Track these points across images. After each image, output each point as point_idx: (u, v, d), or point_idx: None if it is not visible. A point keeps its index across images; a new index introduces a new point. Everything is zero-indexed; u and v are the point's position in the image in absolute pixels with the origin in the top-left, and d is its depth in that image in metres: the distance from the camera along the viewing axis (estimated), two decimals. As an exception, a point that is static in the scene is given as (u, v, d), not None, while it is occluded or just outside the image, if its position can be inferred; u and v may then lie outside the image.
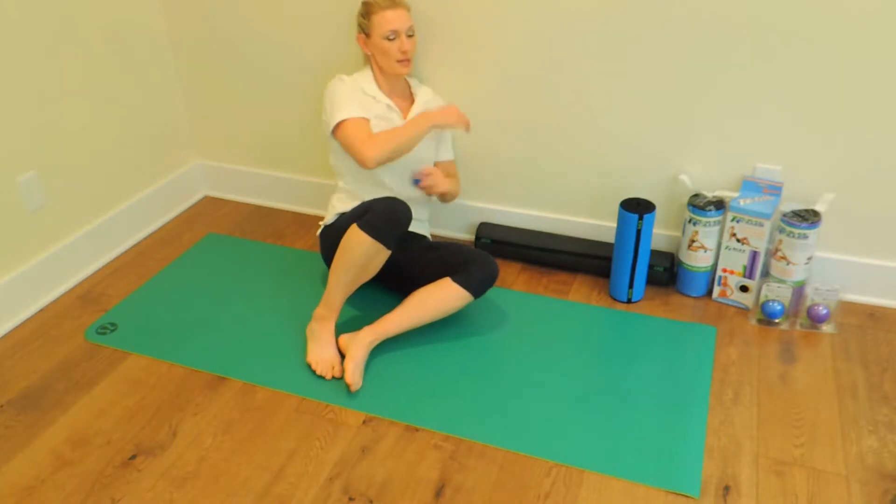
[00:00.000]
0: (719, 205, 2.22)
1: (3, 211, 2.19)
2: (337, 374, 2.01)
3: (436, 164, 2.37)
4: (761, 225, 2.16)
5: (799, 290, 2.23)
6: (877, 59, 1.99)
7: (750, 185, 2.22)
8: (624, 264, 2.26)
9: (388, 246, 2.00)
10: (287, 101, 2.67)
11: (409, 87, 2.32)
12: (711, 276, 2.33)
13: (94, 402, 1.96)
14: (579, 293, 2.38)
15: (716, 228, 2.24)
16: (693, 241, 2.26)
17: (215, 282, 2.44)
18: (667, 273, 2.35)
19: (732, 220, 2.19)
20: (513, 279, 2.45)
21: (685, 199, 2.34)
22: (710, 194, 2.24)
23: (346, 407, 1.93)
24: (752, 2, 2.02)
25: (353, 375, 1.94)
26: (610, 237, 2.48)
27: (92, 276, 2.50)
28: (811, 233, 2.12)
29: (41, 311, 2.33)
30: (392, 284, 2.31)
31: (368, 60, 2.26)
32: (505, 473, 1.74)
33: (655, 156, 2.32)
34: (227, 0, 2.55)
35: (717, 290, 2.31)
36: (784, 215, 2.16)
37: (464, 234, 2.68)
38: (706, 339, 2.15)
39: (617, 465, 1.74)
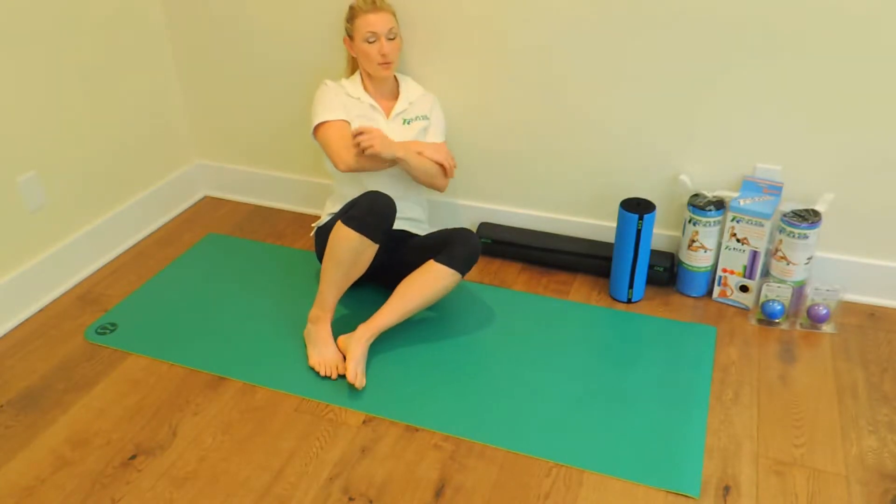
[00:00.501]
0: (719, 205, 2.22)
1: (3, 211, 2.19)
2: (341, 373, 2.01)
3: None
4: (761, 225, 2.16)
5: (799, 290, 2.23)
6: (877, 59, 1.99)
7: (750, 185, 2.22)
8: (624, 264, 2.26)
9: (374, 239, 2.00)
10: (287, 101, 2.67)
11: (398, 85, 2.32)
12: (711, 276, 2.33)
13: (93, 402, 1.96)
14: (579, 293, 2.38)
15: (716, 228, 2.24)
16: (693, 241, 2.26)
17: (215, 282, 2.44)
18: (667, 273, 2.34)
19: (732, 220, 2.19)
20: (513, 279, 2.45)
21: (685, 199, 2.34)
22: (710, 194, 2.24)
23: (346, 407, 1.93)
24: (752, 2, 2.02)
25: (356, 374, 1.94)
26: (610, 237, 2.48)
27: (92, 276, 2.50)
28: (811, 233, 2.12)
29: (41, 311, 2.33)
30: (384, 283, 2.31)
31: (356, 63, 2.29)
32: (505, 473, 1.73)
33: (655, 156, 2.32)
34: (228, 0, 2.56)
35: (717, 290, 2.31)
36: (784, 215, 2.16)
37: (464, 234, 2.68)
38: (706, 339, 2.15)
39: (617, 465, 1.74)
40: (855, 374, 2.02)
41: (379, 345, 2.11)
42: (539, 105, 2.36)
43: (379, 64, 2.18)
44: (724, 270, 2.27)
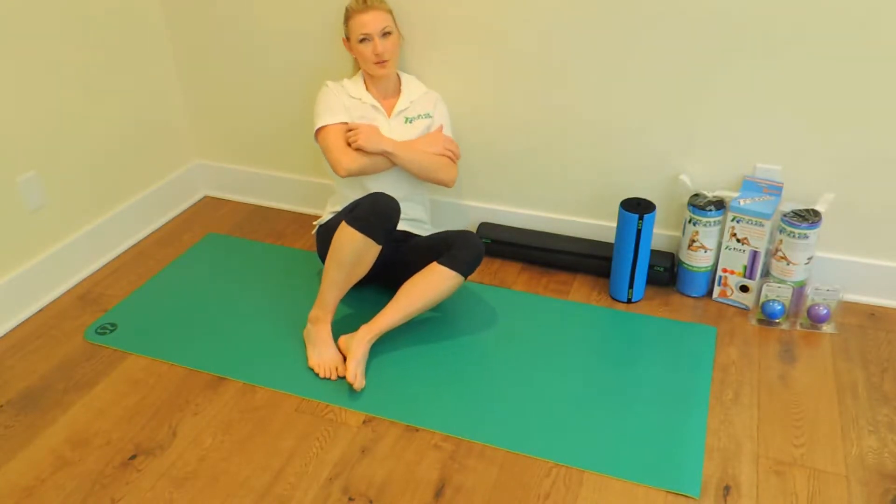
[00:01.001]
0: (719, 205, 2.22)
1: (3, 211, 2.19)
2: (341, 374, 2.01)
3: None
4: (761, 225, 2.16)
5: (799, 290, 2.23)
6: (877, 59, 1.99)
7: (750, 185, 2.22)
8: (624, 264, 2.26)
9: (377, 240, 2.00)
10: (287, 101, 2.67)
11: (400, 84, 2.32)
12: (711, 276, 2.33)
13: (93, 402, 1.96)
14: (579, 293, 2.37)
15: (716, 228, 2.24)
16: (693, 241, 2.26)
17: (215, 282, 2.44)
18: (667, 273, 2.34)
19: (732, 220, 2.19)
20: (513, 279, 2.45)
21: (685, 199, 2.34)
22: (710, 194, 2.24)
23: (346, 407, 1.93)
24: (752, 2, 2.02)
25: (356, 375, 1.94)
26: (610, 237, 2.48)
27: (92, 276, 2.50)
28: (811, 233, 2.12)
29: (41, 311, 2.33)
30: (386, 283, 2.31)
31: (357, 63, 2.30)
32: (505, 473, 1.73)
33: (656, 155, 2.32)
34: (229, 0, 2.56)
35: (717, 290, 2.31)
36: (784, 215, 2.16)
37: (464, 234, 2.68)
38: (706, 339, 2.15)
39: (617, 466, 1.74)
40: (855, 374, 2.02)
41: (379, 345, 2.11)
42: (539, 105, 2.36)
43: (375, 63, 2.18)
44: (725, 270, 2.27)
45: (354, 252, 1.99)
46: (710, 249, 2.27)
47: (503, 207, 2.59)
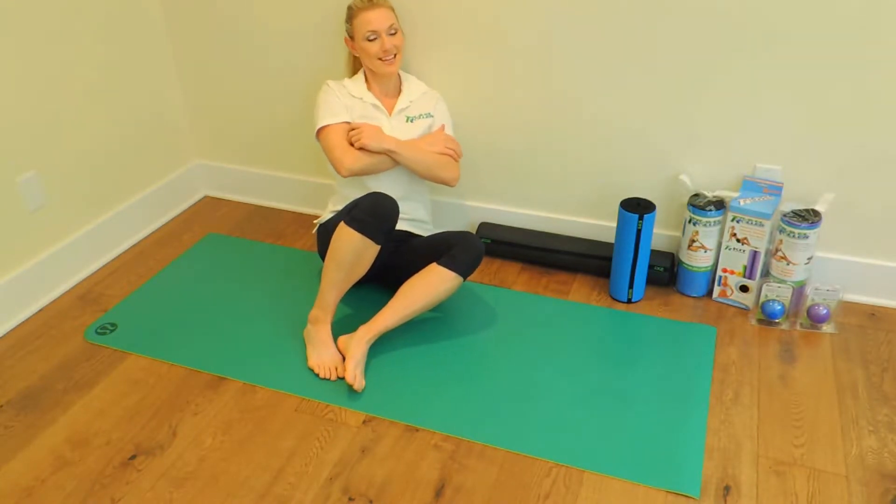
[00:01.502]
0: (719, 205, 2.22)
1: (3, 211, 2.19)
2: (340, 374, 2.01)
3: None
4: (761, 225, 2.16)
5: (799, 290, 2.23)
6: (877, 59, 1.99)
7: (750, 185, 2.22)
8: (624, 264, 2.26)
9: (375, 240, 2.00)
10: (287, 101, 2.67)
11: (401, 83, 2.32)
12: (711, 276, 2.33)
13: (93, 402, 1.96)
14: (579, 293, 2.37)
15: (716, 228, 2.24)
16: (693, 241, 2.26)
17: (215, 282, 2.44)
18: (667, 273, 2.34)
19: (732, 220, 2.19)
20: (513, 279, 2.45)
21: (685, 199, 2.34)
22: (710, 194, 2.24)
23: (346, 407, 1.93)
24: (752, 1, 2.02)
25: (356, 375, 1.94)
26: (610, 237, 2.48)
27: (92, 276, 2.50)
28: (811, 233, 2.12)
29: (41, 311, 2.33)
30: (386, 283, 2.31)
31: (360, 62, 2.28)
32: (505, 473, 1.73)
33: (656, 155, 2.32)
34: (228, 0, 2.56)
35: (717, 290, 2.31)
36: (784, 215, 2.16)
37: (464, 234, 2.68)
38: (706, 339, 2.15)
39: (617, 466, 1.74)
40: (855, 374, 2.02)
41: (378, 345, 2.11)
42: (539, 105, 2.36)
43: (382, 60, 2.17)
44: (725, 270, 2.27)
45: (353, 252, 1.99)
46: (710, 249, 2.27)
47: (503, 207, 2.59)
